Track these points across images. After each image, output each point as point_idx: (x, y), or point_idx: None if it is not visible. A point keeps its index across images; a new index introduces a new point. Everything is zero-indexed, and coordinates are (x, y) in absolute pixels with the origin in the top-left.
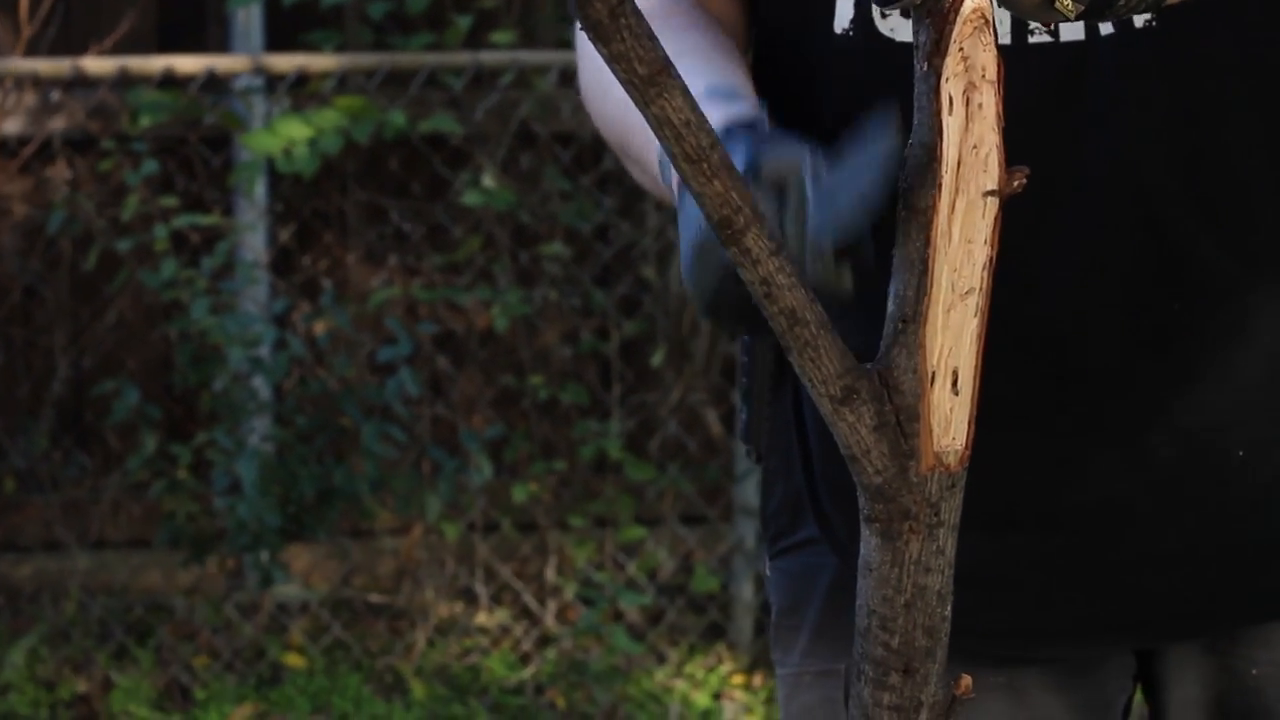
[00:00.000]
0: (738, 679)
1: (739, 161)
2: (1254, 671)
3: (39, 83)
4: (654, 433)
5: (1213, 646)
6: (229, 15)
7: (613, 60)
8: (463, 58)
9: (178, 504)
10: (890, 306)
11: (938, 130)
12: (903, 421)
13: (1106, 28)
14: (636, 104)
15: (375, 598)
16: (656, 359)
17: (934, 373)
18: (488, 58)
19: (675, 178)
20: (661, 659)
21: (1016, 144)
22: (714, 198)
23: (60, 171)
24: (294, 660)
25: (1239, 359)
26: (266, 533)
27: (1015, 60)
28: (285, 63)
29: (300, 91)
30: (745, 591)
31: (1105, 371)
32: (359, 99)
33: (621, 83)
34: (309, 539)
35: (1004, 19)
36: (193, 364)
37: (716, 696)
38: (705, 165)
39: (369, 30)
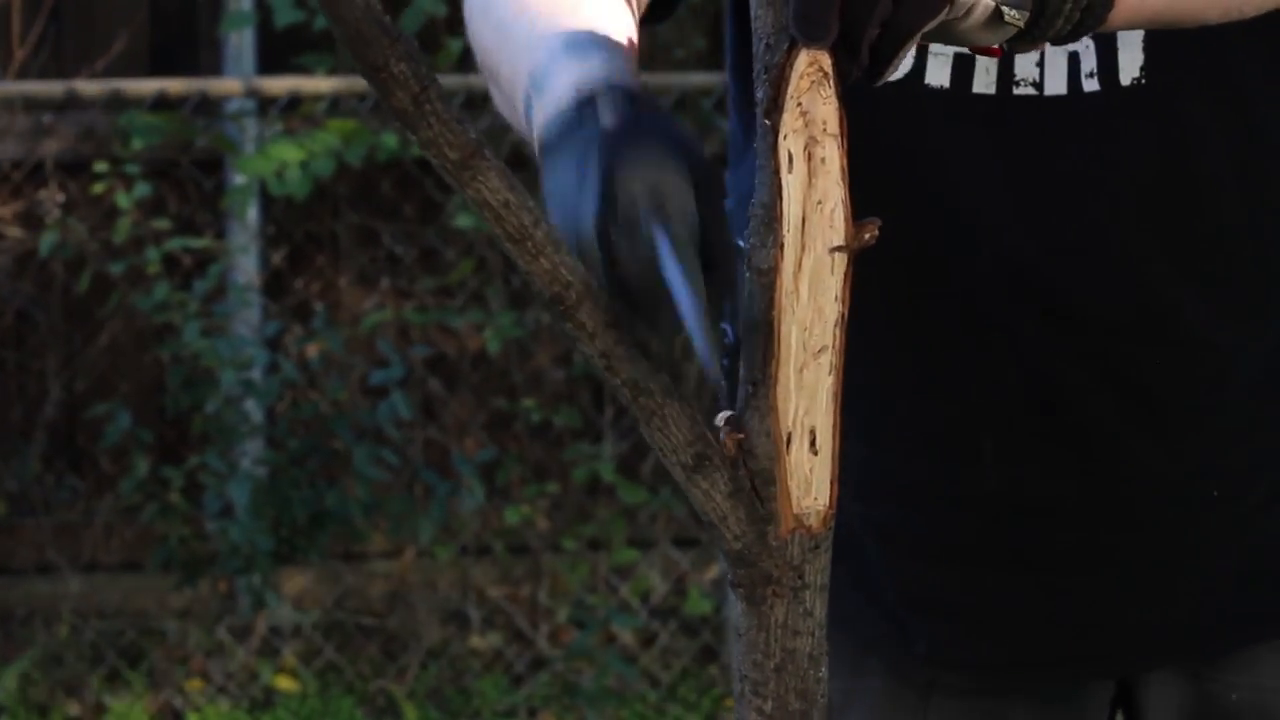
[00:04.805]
0: (731, 701)
1: (592, 173)
2: (1233, 696)
3: (31, 105)
4: (647, 455)
5: (1192, 672)
6: (221, 38)
7: (423, 146)
8: (455, 81)
9: (170, 527)
10: (741, 370)
11: (776, 189)
12: (758, 485)
13: (1092, 84)
14: (453, 186)
15: (368, 620)
16: None
17: (790, 434)
18: (479, 81)
19: (534, 127)
20: (655, 682)
21: (996, 192)
22: (543, 275)
23: (52, 194)
24: (287, 683)
25: (1218, 409)
26: (259, 556)
27: (999, 111)
28: (278, 85)
29: (293, 114)
30: (738, 614)
31: (1085, 420)
32: (351, 122)
33: (435, 167)
34: (301, 562)
35: (990, 68)
36: (185, 387)
37: (709, 719)
38: (529, 244)
39: None
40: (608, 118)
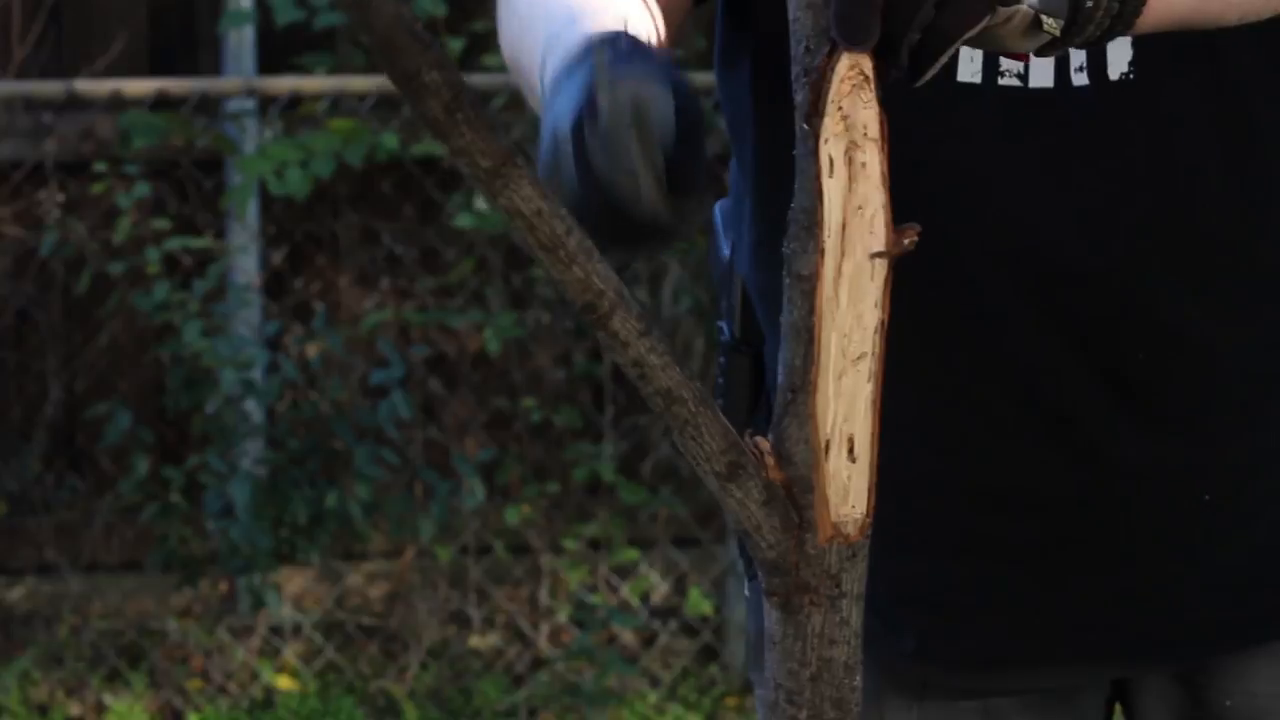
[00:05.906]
0: (731, 701)
1: (578, 85)
2: (1227, 703)
3: (31, 105)
4: (647, 455)
5: (1186, 678)
6: (221, 37)
7: (455, 155)
8: None
9: (170, 527)
10: (780, 376)
11: (818, 194)
12: (796, 493)
13: (1081, 79)
14: (485, 196)
15: (368, 620)
16: None
17: (828, 441)
18: (480, 80)
19: (544, 86)
20: (655, 682)
21: (982, 186)
22: (574, 284)
23: (52, 194)
24: (287, 683)
25: (1210, 409)
26: (259, 555)
27: (984, 101)
28: (278, 85)
29: (293, 114)
30: (738, 614)
31: (1076, 416)
32: (351, 121)
33: (467, 176)
34: (301, 562)
35: (975, 57)
36: (185, 387)
37: (710, 719)
38: (562, 252)
39: (361, 53)
40: (605, 51)
